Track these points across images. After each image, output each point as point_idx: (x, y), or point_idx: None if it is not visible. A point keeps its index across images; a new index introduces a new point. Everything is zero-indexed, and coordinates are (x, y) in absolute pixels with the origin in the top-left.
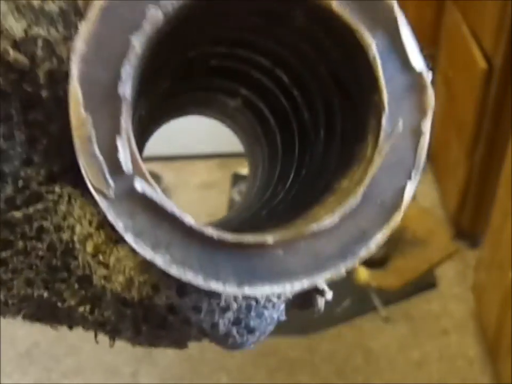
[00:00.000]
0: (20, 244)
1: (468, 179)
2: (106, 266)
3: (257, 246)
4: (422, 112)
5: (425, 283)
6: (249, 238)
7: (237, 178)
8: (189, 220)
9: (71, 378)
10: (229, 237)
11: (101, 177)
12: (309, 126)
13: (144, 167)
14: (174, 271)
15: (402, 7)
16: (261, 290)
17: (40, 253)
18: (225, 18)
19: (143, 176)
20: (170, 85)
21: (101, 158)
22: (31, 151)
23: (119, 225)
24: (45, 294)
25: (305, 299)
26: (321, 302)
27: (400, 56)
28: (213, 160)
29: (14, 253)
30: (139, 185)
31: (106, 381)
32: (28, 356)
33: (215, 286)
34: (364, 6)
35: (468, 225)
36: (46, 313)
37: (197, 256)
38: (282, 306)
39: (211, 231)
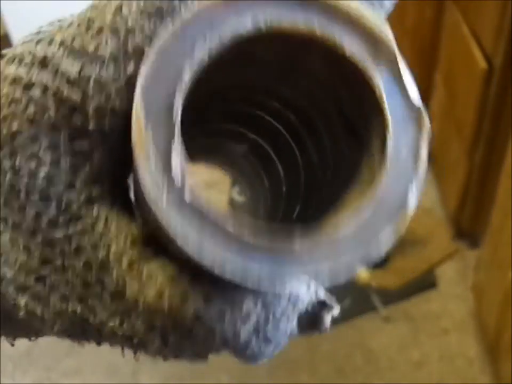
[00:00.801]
0: (59, 261)
1: (468, 179)
2: (139, 280)
3: (286, 250)
4: (421, 141)
5: (425, 283)
6: (279, 245)
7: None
8: (229, 225)
9: (71, 378)
10: (262, 242)
11: (156, 189)
12: (316, 167)
13: (192, 180)
14: (216, 270)
15: (402, 7)
16: (289, 287)
17: (77, 270)
18: (247, 67)
19: (191, 187)
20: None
21: (157, 172)
22: (74, 177)
23: (171, 231)
24: (78, 309)
25: (313, 317)
26: (328, 319)
27: (401, 91)
28: None
29: (52, 270)
30: (188, 195)
31: (106, 380)
32: (28, 355)
33: (250, 283)
34: (368, 46)
35: (468, 225)
36: (77, 329)
37: (235, 256)
38: (295, 321)
39: (247, 237)
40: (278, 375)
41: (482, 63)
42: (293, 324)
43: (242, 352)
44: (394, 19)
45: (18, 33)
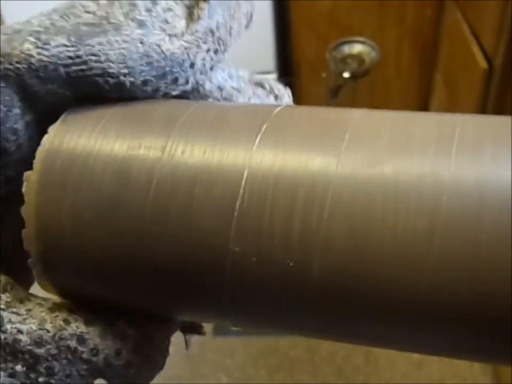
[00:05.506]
0: None
1: None
2: (17, 314)
3: None
4: None
5: None
6: None
7: None
8: None
9: None
10: None
11: None
12: None
13: None
14: None
15: (402, 7)
16: None
17: None
18: None
19: None
20: None
21: None
22: None
23: None
24: None
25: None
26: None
27: None
28: None
29: None
30: None
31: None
32: None
33: None
34: None
35: None
36: None
37: None
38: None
39: None
40: (278, 375)
41: (482, 63)
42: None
43: (119, 377)
44: (394, 19)
45: None
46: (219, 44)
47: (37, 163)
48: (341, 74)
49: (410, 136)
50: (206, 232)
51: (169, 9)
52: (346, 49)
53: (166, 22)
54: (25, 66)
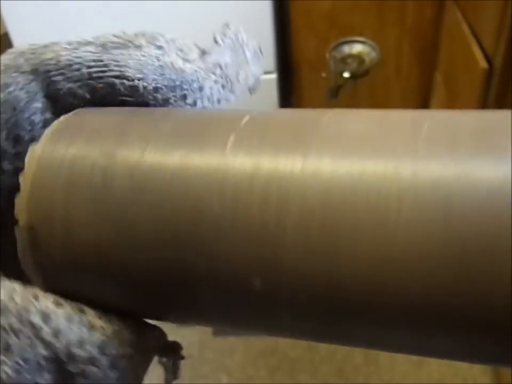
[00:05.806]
0: None
1: None
2: None
3: None
4: None
5: None
6: None
7: None
8: None
9: None
10: None
11: None
12: None
13: None
14: None
15: (402, 7)
16: None
17: None
18: None
19: None
20: None
21: None
22: None
23: None
24: None
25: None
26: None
27: None
28: None
29: None
30: None
31: None
32: None
33: None
34: None
35: None
36: None
37: None
38: None
39: None
40: (278, 375)
41: (482, 63)
42: None
43: (90, 373)
44: (394, 19)
45: (18, 32)
46: (226, 81)
47: (44, 138)
48: (341, 74)
49: (379, 134)
50: (186, 201)
51: (185, 45)
52: (346, 49)
53: (181, 50)
54: (53, 62)
